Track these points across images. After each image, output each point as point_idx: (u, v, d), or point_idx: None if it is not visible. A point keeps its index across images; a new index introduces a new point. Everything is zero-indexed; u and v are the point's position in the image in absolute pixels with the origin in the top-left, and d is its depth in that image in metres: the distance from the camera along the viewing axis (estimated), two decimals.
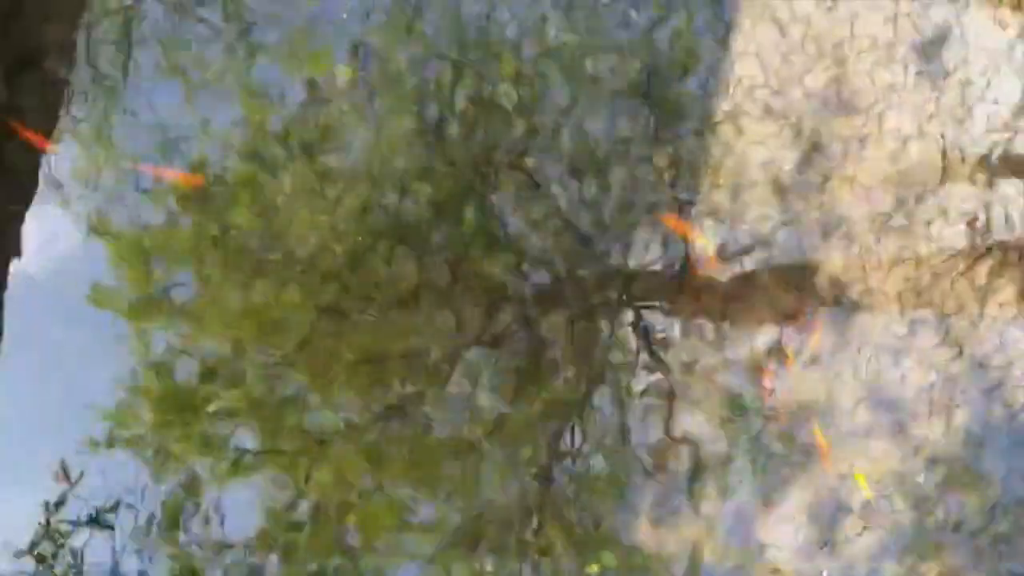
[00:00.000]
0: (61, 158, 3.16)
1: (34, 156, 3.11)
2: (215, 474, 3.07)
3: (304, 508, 3.06)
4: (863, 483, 2.99)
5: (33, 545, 3.01)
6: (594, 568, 3.02)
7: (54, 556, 3.01)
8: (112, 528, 3.03)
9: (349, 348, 3.07)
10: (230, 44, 3.17)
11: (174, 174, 3.11)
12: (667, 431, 3.10)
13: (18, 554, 2.99)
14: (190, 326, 3.12)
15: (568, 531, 3.04)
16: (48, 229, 3.14)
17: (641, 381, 3.11)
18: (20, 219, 3.09)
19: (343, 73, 3.14)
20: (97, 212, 3.16)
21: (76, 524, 3.03)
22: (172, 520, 3.03)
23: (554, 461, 3.07)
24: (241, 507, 3.06)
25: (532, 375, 3.10)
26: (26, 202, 3.10)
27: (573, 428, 3.09)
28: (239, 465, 3.07)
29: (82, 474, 3.04)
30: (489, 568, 3.03)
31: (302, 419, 3.08)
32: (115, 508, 3.03)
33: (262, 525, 3.04)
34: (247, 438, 3.09)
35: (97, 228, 3.15)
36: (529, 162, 3.14)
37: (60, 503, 3.03)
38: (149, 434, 3.08)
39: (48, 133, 3.13)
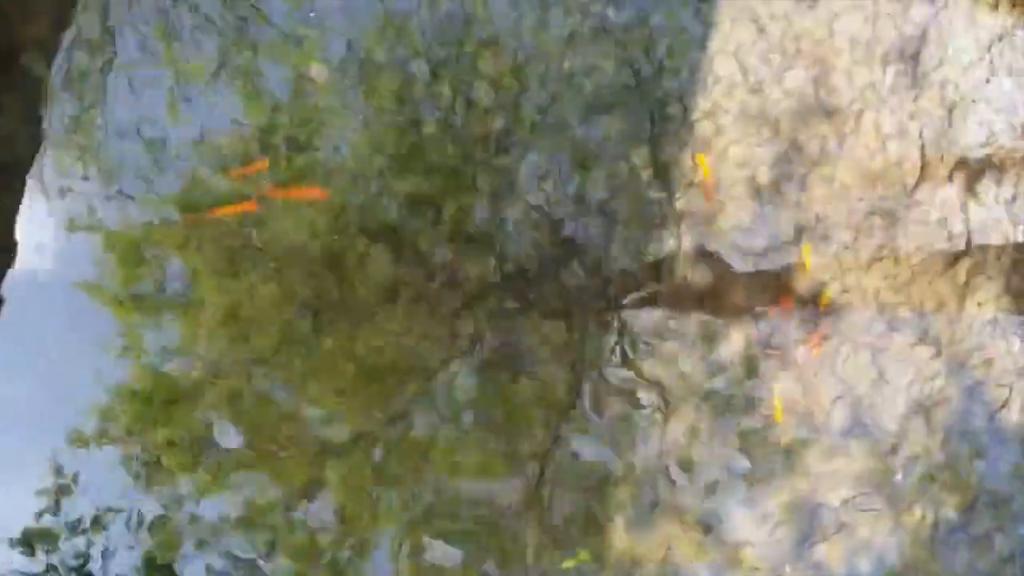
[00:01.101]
0: (46, 155, 3.16)
1: (17, 151, 3.12)
2: (202, 473, 3.07)
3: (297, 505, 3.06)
4: None
5: (26, 541, 3.01)
6: (570, 564, 3.02)
7: (46, 552, 3.01)
8: (104, 527, 3.04)
9: (326, 346, 3.08)
10: (213, 40, 3.17)
11: (298, 190, 3.07)
12: (648, 429, 3.10)
13: (11, 549, 3.00)
14: (176, 324, 3.12)
15: (547, 528, 3.04)
16: (34, 225, 3.14)
17: (622, 380, 3.11)
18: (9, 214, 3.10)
19: (321, 71, 3.14)
20: (83, 209, 3.16)
21: (68, 522, 3.03)
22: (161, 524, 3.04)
23: (535, 460, 3.08)
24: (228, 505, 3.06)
25: (512, 376, 3.10)
26: (14, 198, 3.11)
27: (555, 428, 3.09)
28: (226, 464, 3.07)
29: (76, 473, 3.05)
30: (469, 563, 3.03)
31: (283, 417, 3.08)
32: (108, 510, 3.04)
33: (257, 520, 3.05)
34: (236, 437, 3.09)
35: (83, 225, 3.14)
36: (507, 161, 3.14)
37: (55, 501, 3.03)
38: (136, 431, 3.08)
39: (29, 132, 3.13)
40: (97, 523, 3.03)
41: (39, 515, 3.02)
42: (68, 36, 3.14)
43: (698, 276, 3.14)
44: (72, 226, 3.11)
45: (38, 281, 3.09)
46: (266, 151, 3.12)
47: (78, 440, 3.05)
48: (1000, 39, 3.23)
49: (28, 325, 3.07)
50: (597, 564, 3.02)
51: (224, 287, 3.09)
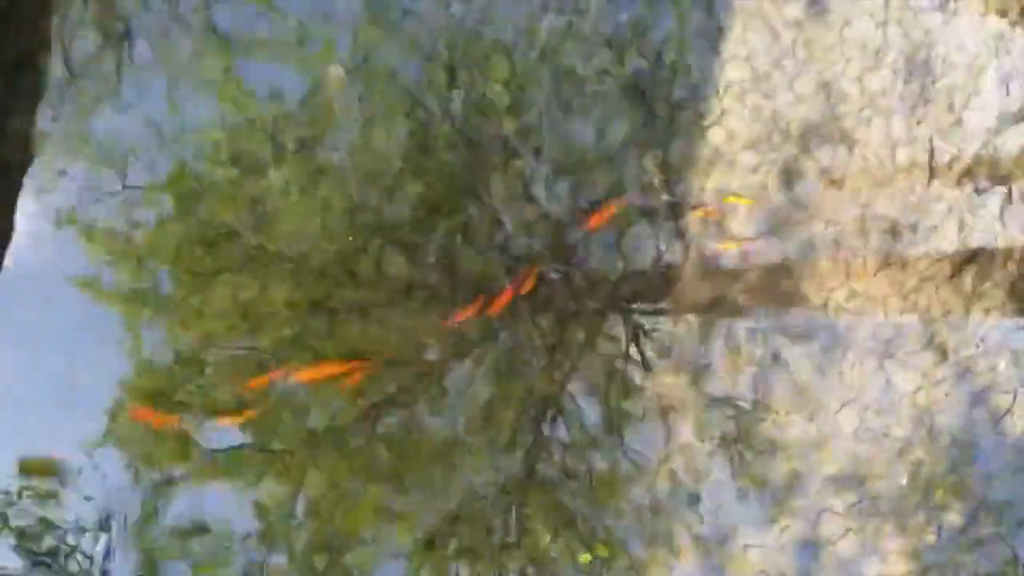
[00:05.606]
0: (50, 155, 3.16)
1: (24, 151, 3.12)
2: (200, 471, 3.09)
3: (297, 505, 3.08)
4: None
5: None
6: (586, 557, 3.05)
7: (48, 553, 3.03)
8: (105, 530, 3.05)
9: (338, 346, 3.09)
10: (222, 41, 3.17)
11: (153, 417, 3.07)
12: (654, 431, 3.12)
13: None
14: (178, 321, 3.12)
15: (558, 526, 3.07)
16: (36, 225, 3.14)
17: (629, 381, 3.13)
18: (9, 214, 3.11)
19: (335, 73, 3.15)
20: (85, 208, 3.15)
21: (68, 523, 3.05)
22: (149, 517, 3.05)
23: (543, 459, 3.10)
24: (229, 503, 3.08)
25: (521, 375, 3.12)
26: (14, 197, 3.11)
27: (562, 427, 3.12)
28: (225, 462, 3.09)
29: (80, 471, 3.07)
30: (477, 562, 3.06)
31: (290, 416, 3.10)
32: (107, 519, 3.05)
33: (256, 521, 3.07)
34: (236, 435, 3.10)
35: (84, 224, 3.14)
36: (519, 164, 3.15)
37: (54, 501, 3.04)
38: (136, 430, 3.09)
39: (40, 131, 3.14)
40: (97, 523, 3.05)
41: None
42: (81, 34, 3.14)
43: (706, 279, 3.16)
44: (75, 225, 3.12)
45: (34, 280, 3.10)
46: (276, 150, 3.13)
47: (81, 440, 3.07)
48: (1009, 45, 3.24)
49: (24, 323, 3.09)
50: (613, 558, 3.06)
51: (234, 285, 3.11)
